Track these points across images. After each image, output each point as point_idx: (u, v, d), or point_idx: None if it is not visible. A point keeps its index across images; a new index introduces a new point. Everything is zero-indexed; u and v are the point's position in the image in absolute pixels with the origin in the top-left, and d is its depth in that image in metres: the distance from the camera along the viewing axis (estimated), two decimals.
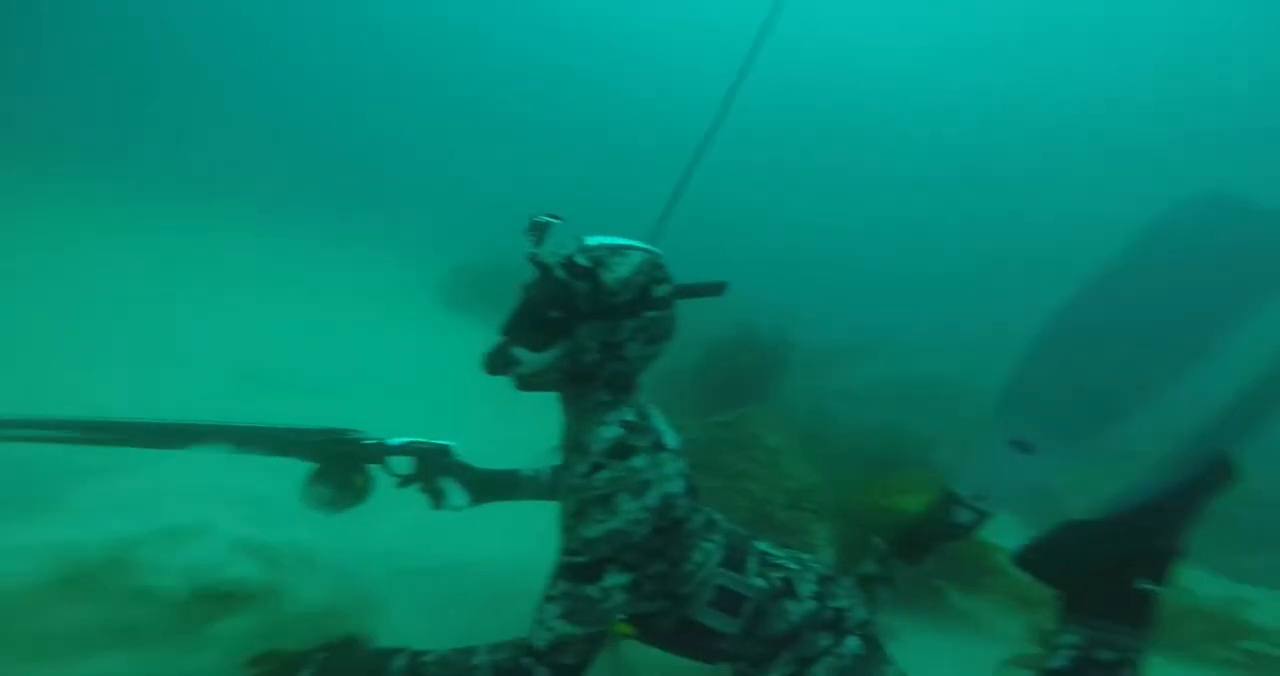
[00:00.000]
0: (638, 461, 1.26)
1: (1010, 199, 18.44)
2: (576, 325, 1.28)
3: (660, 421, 1.42)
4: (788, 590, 1.53)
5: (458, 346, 4.82)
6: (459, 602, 2.02)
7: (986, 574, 2.69)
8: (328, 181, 11.13)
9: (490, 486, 1.97)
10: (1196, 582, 3.34)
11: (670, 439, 1.38)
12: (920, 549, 2.02)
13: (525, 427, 2.20)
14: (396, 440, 1.87)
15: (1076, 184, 18.82)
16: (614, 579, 1.20)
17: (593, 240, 1.31)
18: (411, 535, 2.16)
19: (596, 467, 1.25)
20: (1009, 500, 1.92)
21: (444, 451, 1.93)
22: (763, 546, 1.64)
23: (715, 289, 1.48)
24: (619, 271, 1.27)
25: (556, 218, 1.31)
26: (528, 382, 1.36)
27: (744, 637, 1.48)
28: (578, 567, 1.20)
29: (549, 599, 1.21)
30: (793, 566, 1.60)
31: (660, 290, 1.31)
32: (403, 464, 1.91)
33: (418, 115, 19.76)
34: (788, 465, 2.91)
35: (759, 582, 1.50)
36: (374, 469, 1.86)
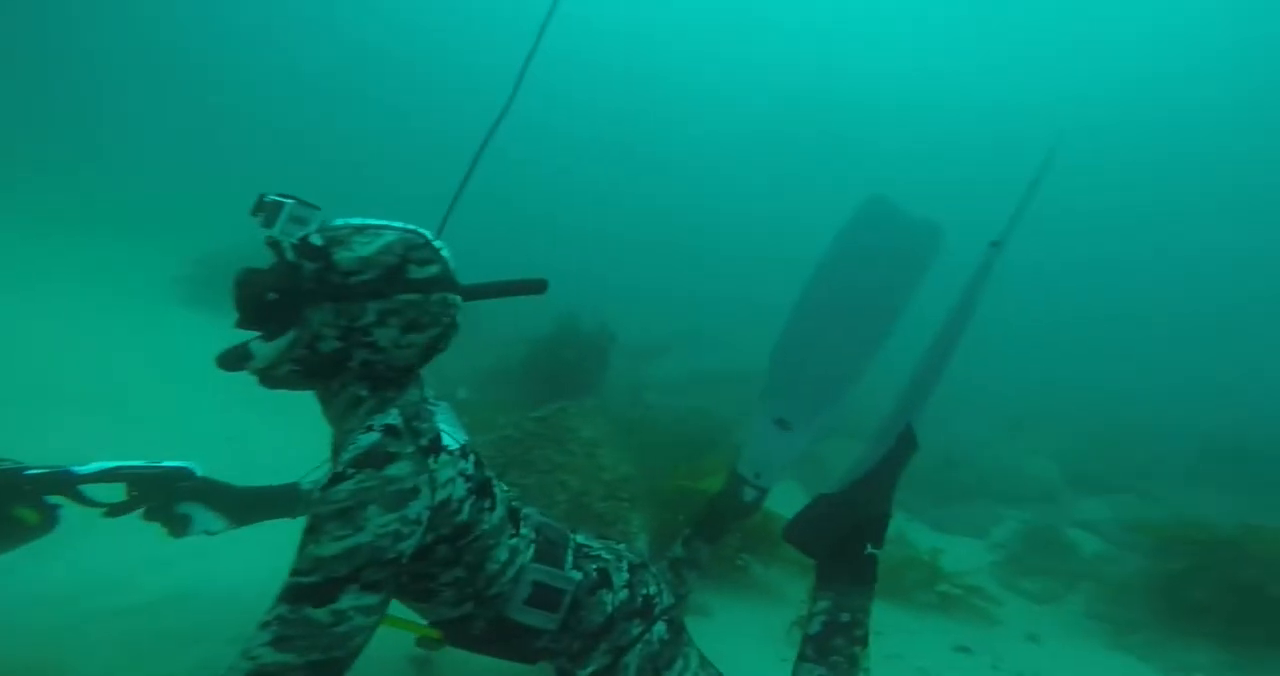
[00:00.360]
0: (396, 469, 1.11)
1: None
2: (306, 309, 1.16)
3: (444, 419, 1.29)
4: (604, 581, 1.51)
5: (203, 348, 4.14)
6: (187, 639, 1.74)
7: (781, 545, 2.87)
8: (52, 160, 9.06)
9: (258, 504, 1.76)
10: (913, 534, 3.96)
11: (452, 439, 1.26)
12: (717, 529, 2.15)
13: (307, 435, 1.91)
14: (89, 467, 1.52)
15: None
16: (352, 600, 1.03)
17: (342, 220, 1.21)
18: (124, 568, 1.87)
19: (337, 479, 1.08)
20: (781, 474, 2.14)
21: (181, 474, 1.65)
22: (579, 538, 1.61)
23: (535, 286, 1.41)
24: (358, 250, 1.16)
25: (290, 197, 1.17)
26: (267, 377, 1.23)
27: (562, 632, 1.45)
28: (303, 589, 1.02)
29: (261, 625, 1.01)
30: (608, 557, 1.58)
31: (419, 272, 1.18)
32: (111, 491, 1.55)
33: (150, 85, 16.77)
34: (604, 457, 2.89)
35: (575, 575, 1.47)
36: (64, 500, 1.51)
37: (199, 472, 1.68)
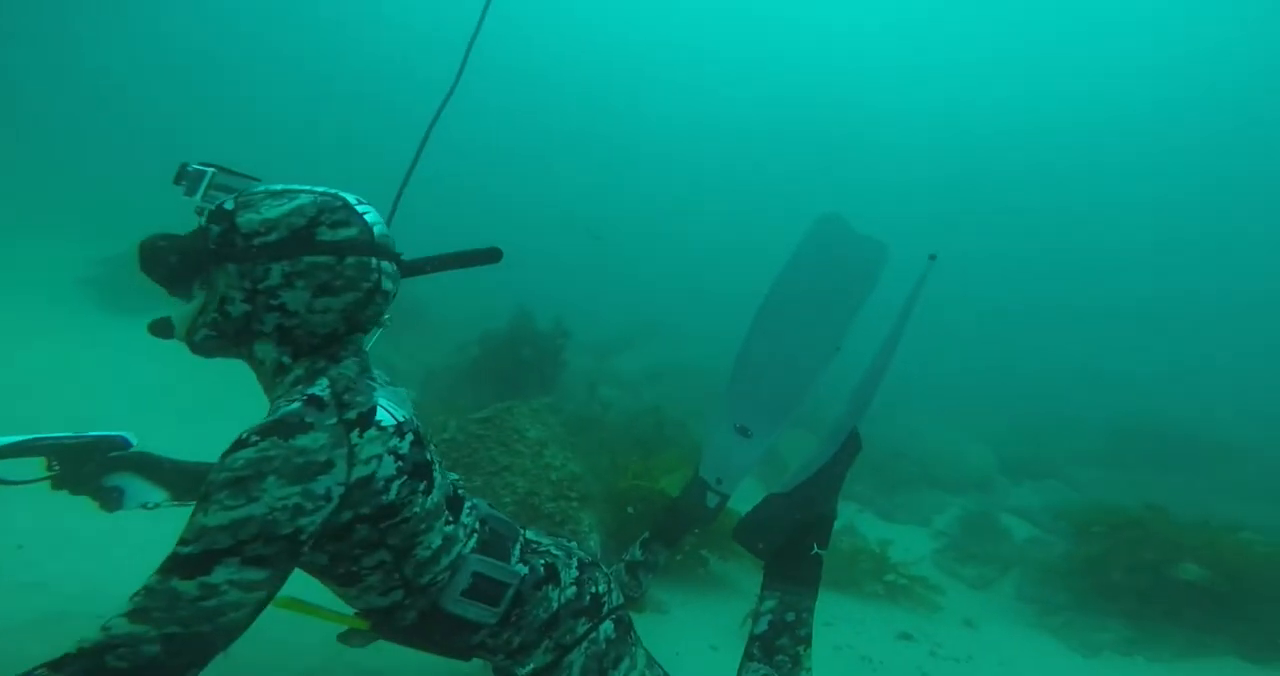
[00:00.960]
0: (308, 440, 1.06)
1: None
2: (213, 272, 1.18)
3: (382, 395, 1.24)
4: (550, 576, 1.47)
5: (109, 352, 3.99)
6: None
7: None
8: None
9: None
10: (862, 525, 4.14)
11: (387, 415, 1.20)
12: (677, 533, 2.21)
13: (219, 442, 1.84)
14: None
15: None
16: (229, 574, 0.98)
17: (263, 187, 1.22)
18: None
19: (238, 445, 1.04)
20: (740, 478, 2.23)
21: (112, 443, 1.55)
22: (529, 534, 1.59)
23: (487, 256, 1.41)
24: (265, 212, 1.16)
25: (212, 166, 1.21)
26: (191, 345, 1.25)
27: (501, 627, 1.40)
28: (178, 559, 0.98)
29: (129, 597, 0.97)
30: (557, 553, 1.55)
31: (330, 234, 1.16)
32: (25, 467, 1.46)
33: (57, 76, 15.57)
34: (551, 456, 2.88)
35: (520, 569, 1.42)
36: None
37: (134, 443, 1.57)
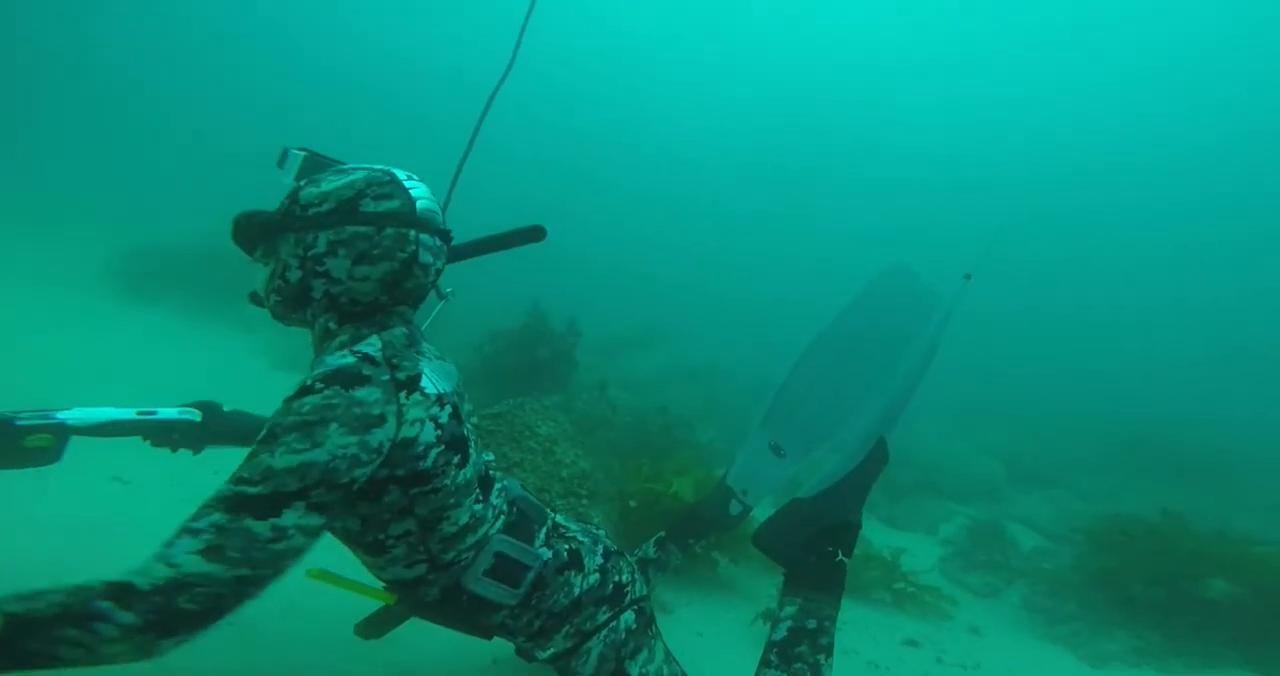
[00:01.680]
0: (365, 393, 1.08)
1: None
2: (277, 241, 1.25)
3: (427, 364, 1.26)
4: (574, 562, 1.48)
5: (137, 344, 4.03)
6: None
7: (750, 543, 2.97)
8: None
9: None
10: (869, 531, 4.13)
11: (432, 384, 1.22)
12: (694, 535, 2.23)
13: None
14: (82, 415, 1.51)
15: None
16: (296, 518, 0.99)
17: (339, 167, 1.32)
18: None
19: (305, 390, 1.06)
20: (765, 494, 2.28)
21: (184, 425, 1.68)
22: (558, 518, 1.59)
23: (531, 234, 1.46)
24: (323, 186, 1.23)
25: (305, 150, 1.35)
26: (271, 311, 1.33)
27: (521, 608, 1.41)
28: (247, 498, 0.97)
29: (186, 531, 0.95)
30: (583, 539, 1.56)
31: (374, 206, 1.20)
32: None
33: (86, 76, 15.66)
34: (561, 453, 2.90)
35: (544, 553, 1.43)
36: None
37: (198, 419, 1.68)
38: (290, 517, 0.99)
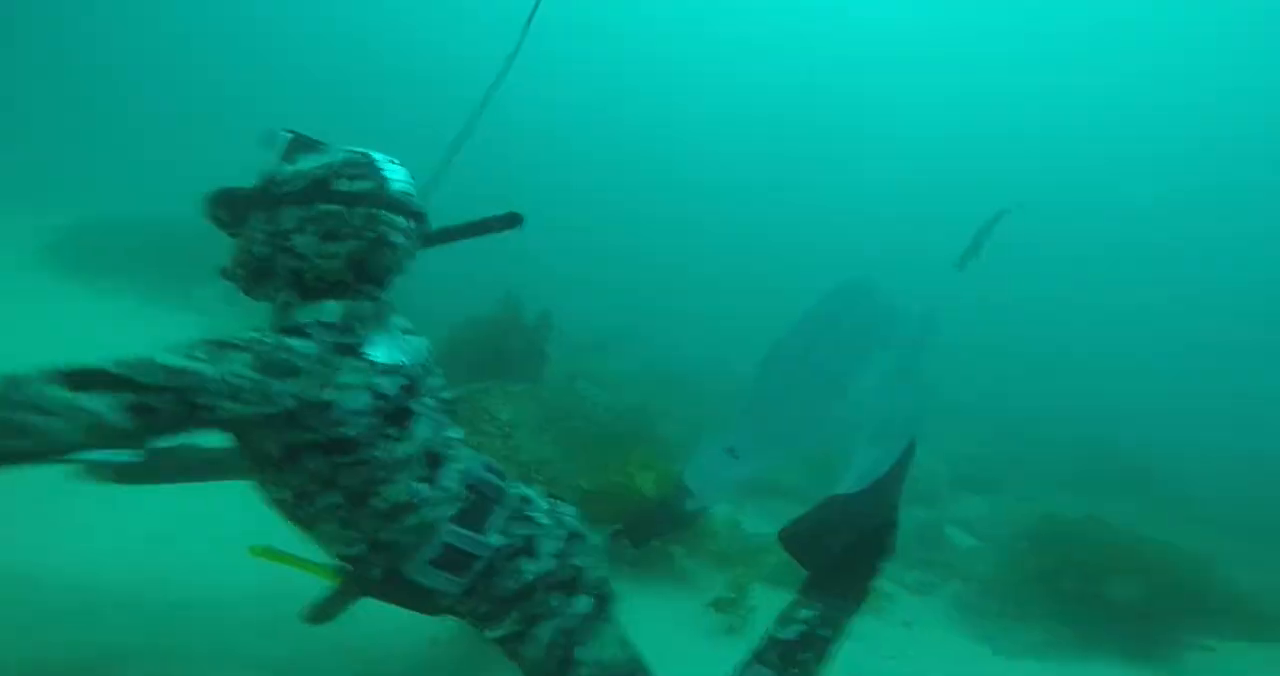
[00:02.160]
0: (298, 343, 1.11)
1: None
2: (249, 217, 1.28)
3: (388, 337, 1.29)
4: (527, 548, 1.43)
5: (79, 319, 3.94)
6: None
7: (706, 536, 3.13)
8: None
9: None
10: None
11: (382, 354, 1.23)
12: (650, 532, 2.34)
13: None
14: None
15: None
16: (96, 402, 0.92)
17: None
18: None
19: (250, 330, 1.14)
20: (720, 494, 2.40)
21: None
22: (527, 491, 1.54)
23: (507, 221, 1.46)
24: (299, 165, 1.27)
25: (291, 132, 1.33)
26: (241, 285, 1.35)
27: (467, 596, 1.39)
28: (98, 372, 0.96)
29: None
30: (545, 522, 1.50)
31: (345, 185, 1.24)
32: None
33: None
34: (521, 438, 2.91)
35: (496, 540, 1.38)
36: None
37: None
38: (90, 401, 0.91)
